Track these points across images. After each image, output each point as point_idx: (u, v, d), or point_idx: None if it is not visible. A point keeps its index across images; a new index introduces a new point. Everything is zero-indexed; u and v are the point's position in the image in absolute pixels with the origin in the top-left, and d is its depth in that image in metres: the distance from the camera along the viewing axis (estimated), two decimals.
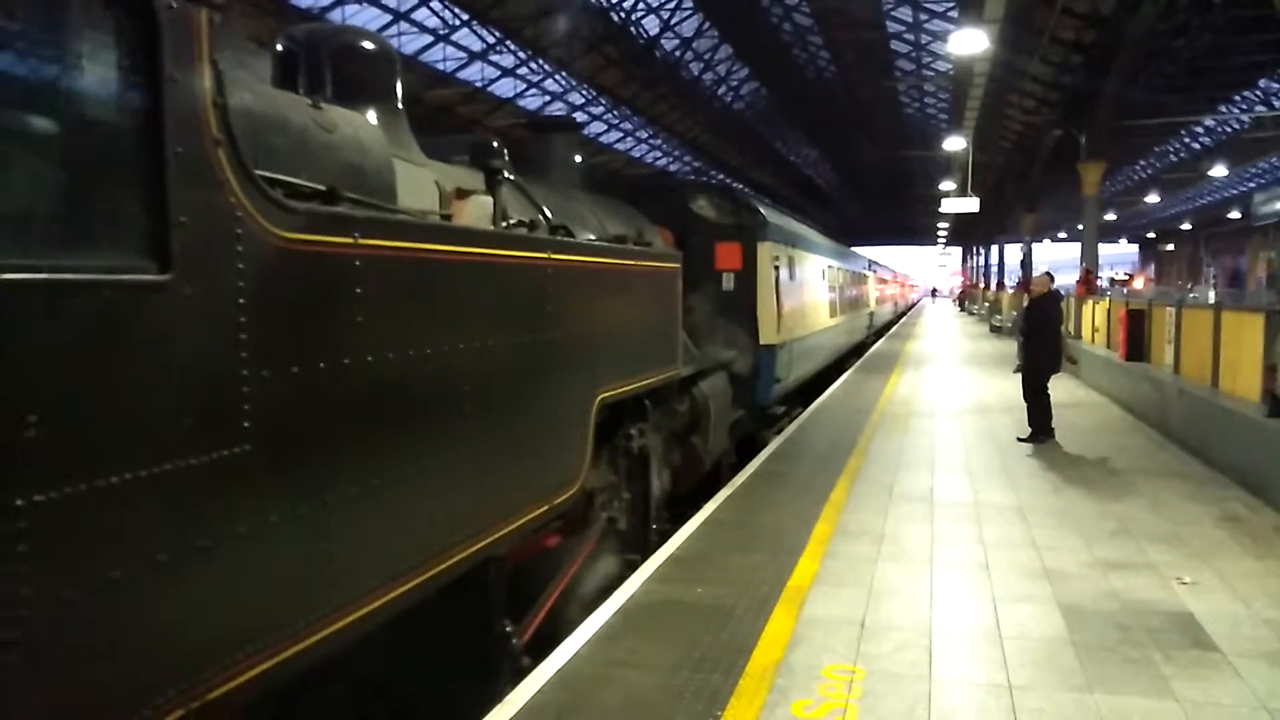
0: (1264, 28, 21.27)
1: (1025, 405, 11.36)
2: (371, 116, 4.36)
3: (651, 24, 33.41)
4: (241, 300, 2.76)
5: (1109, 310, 17.88)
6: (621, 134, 44.14)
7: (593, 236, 6.62)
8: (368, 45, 4.69)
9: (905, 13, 33.88)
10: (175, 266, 2.50)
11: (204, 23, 2.62)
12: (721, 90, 43.28)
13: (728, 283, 10.23)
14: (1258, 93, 33.02)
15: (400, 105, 4.80)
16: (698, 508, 7.93)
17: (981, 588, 5.83)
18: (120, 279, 2.37)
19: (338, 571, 3.24)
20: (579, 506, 5.75)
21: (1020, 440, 11.12)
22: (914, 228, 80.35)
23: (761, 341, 10.80)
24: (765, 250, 10.98)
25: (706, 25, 35.85)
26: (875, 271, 33.09)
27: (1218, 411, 9.65)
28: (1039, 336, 11.30)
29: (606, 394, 5.93)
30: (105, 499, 2.30)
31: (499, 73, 32.09)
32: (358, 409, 3.34)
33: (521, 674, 4.66)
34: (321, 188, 3.34)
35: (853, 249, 28.27)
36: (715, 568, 6.20)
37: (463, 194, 4.96)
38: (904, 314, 54.53)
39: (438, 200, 4.71)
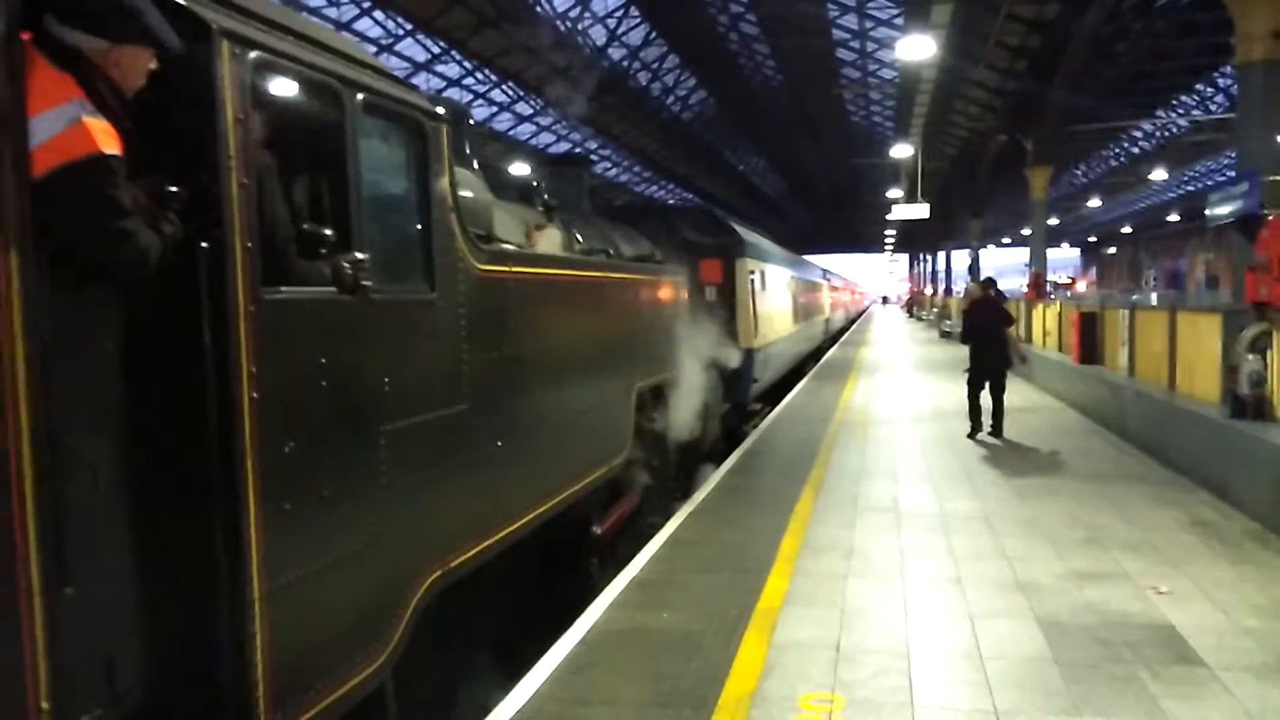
0: (1201, 31, 21.68)
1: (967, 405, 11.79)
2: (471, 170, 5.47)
3: (598, 33, 33.26)
4: (462, 309, 4.19)
5: (1060, 314, 17.99)
6: (570, 145, 43.91)
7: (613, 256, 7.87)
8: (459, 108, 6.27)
9: (851, 20, 34.04)
10: (436, 288, 3.93)
11: (445, 133, 4.09)
12: (670, 100, 43.22)
13: (711, 294, 11.38)
14: (1195, 96, 33.70)
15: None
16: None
17: (956, 603, 5.63)
18: (419, 298, 3.86)
19: (511, 492, 4.80)
20: (627, 470, 7.34)
21: (967, 437, 11.55)
22: (862, 235, 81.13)
23: (742, 345, 12.19)
24: (743, 266, 12.64)
25: (653, 34, 35.75)
26: (829, 280, 34.13)
27: (1177, 414, 9.61)
28: (977, 340, 11.88)
29: (642, 383, 7.51)
30: (413, 431, 3.67)
31: (445, 83, 31.68)
32: (516, 381, 4.87)
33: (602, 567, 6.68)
34: (481, 232, 4.73)
35: (805, 258, 28.80)
36: (680, 590, 5.93)
37: (538, 228, 6.31)
38: (856, 320, 55.32)
39: (524, 234, 5.96)
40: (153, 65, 2.60)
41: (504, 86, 33.70)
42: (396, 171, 3.86)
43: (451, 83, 31.80)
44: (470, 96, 33.25)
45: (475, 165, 5.61)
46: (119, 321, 2.56)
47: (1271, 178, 8.35)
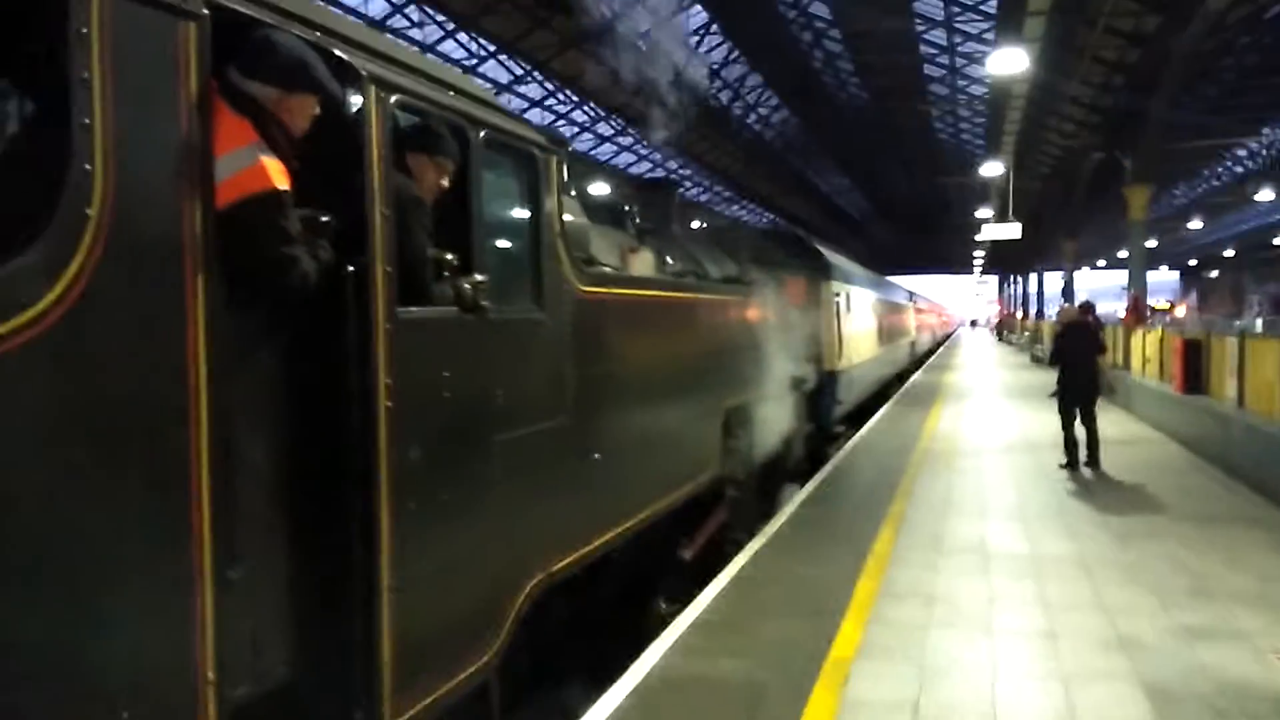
0: None
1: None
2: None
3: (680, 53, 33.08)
4: (566, 328, 4.44)
5: (1161, 340, 17.04)
6: (651, 164, 43.80)
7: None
8: None
9: (939, 35, 33.23)
10: (545, 308, 4.22)
11: (554, 163, 4.38)
12: (751, 119, 42.80)
13: (796, 316, 11.05)
14: None
15: None
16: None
17: (1049, 662, 5.13)
18: (529, 317, 4.13)
19: (607, 503, 5.03)
20: (713, 489, 7.43)
21: (1060, 468, 11.00)
22: (950, 256, 79.18)
23: (826, 368, 12.32)
24: (828, 288, 12.83)
25: (735, 54, 35.44)
26: (915, 302, 33.52)
27: None
28: (1067, 364, 11.32)
29: (729, 402, 7.70)
30: (522, 442, 3.93)
31: (527, 104, 31.83)
32: (612, 397, 5.08)
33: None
34: (582, 255, 4.90)
35: (890, 279, 28.30)
36: (745, 636, 5.55)
37: (633, 250, 6.46)
38: (942, 343, 54.03)
39: (619, 256, 6.13)
40: (316, 110, 2.91)
41: (585, 107, 33.73)
42: (511, 200, 4.21)
43: (534, 103, 31.96)
44: (552, 118, 33.39)
45: (572, 191, 5.71)
46: (279, 338, 2.89)
47: None
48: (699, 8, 28.87)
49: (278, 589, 2.82)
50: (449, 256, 3.47)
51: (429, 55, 26.27)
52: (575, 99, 32.27)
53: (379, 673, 2.96)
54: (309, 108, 2.88)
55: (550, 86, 30.89)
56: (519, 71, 29.37)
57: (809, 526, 8.42)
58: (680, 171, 45.96)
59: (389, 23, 24.20)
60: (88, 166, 2.11)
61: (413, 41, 25.57)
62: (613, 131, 37.41)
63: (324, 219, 2.88)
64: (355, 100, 3.05)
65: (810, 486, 10.36)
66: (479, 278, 3.55)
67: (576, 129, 35.84)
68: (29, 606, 1.98)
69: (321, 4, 3.27)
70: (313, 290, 2.81)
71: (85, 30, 2.09)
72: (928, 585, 6.53)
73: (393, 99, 3.17)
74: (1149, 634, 5.49)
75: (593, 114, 34.87)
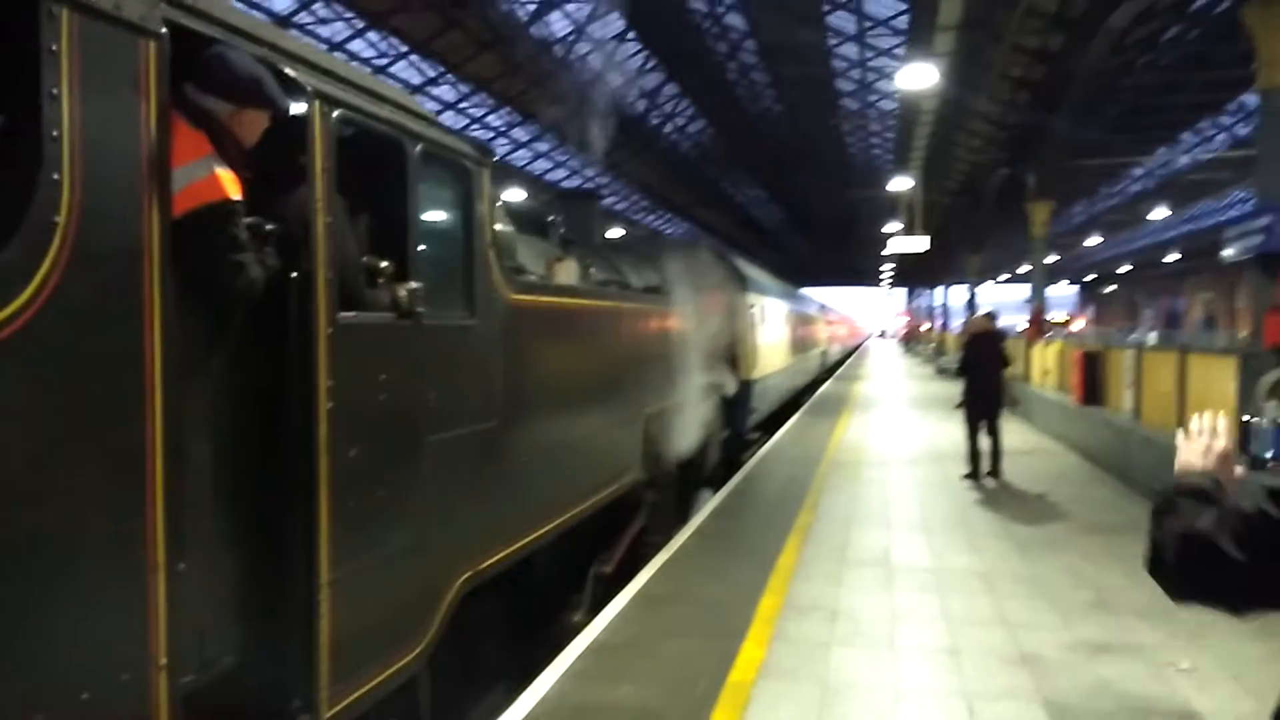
0: (1209, 67, 21.30)
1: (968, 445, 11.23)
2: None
3: (596, 59, 32.88)
4: (496, 333, 4.54)
5: (1061, 352, 17.43)
6: (569, 172, 43.50)
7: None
8: None
9: (850, 50, 33.69)
10: (477, 315, 4.32)
11: (485, 174, 4.50)
12: (668, 128, 42.85)
13: (713, 326, 11.19)
14: (1197, 134, 33.32)
15: None
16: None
17: (952, 679, 5.02)
18: (461, 323, 4.24)
19: (533, 503, 5.14)
20: (634, 492, 7.63)
21: (964, 478, 11.07)
22: (860, 269, 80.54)
23: (741, 376, 12.60)
24: (744, 299, 13.21)
25: (651, 63, 35.43)
26: (826, 314, 34.05)
27: None
28: (973, 375, 11.32)
29: (649, 408, 7.90)
30: (453, 443, 4.02)
31: (441, 106, 31.26)
32: (539, 401, 5.22)
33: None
34: (511, 264, 5.00)
35: (802, 291, 28.74)
36: (645, 657, 5.31)
37: (558, 259, 6.57)
38: (852, 353, 54.92)
39: (544, 266, 6.26)
40: (266, 124, 3.05)
41: (501, 112, 33.30)
42: (445, 210, 4.34)
43: (448, 106, 31.40)
44: (466, 121, 32.86)
45: (499, 200, 5.76)
46: (228, 341, 3.00)
47: None
48: (616, 15, 28.73)
49: (224, 582, 2.94)
50: (384, 264, 3.59)
51: (336, 54, 25.62)
52: (491, 103, 31.81)
53: (317, 663, 3.09)
54: (261, 122, 3.03)
55: (465, 89, 30.37)
56: (432, 74, 28.79)
57: (715, 540, 8.25)
58: (597, 179, 45.82)
59: (295, 19, 23.43)
60: (56, 176, 2.21)
61: (319, 39, 24.83)
62: (529, 137, 37.01)
63: (269, 227, 2.99)
64: (300, 113, 3.18)
65: (719, 497, 10.23)
66: (414, 284, 3.69)
67: (492, 134, 35.34)
68: (2, 593, 2.10)
69: (266, 21, 3.57)
70: (259, 295, 2.93)
71: (55, 48, 2.21)
72: (831, 600, 6.39)
73: (335, 113, 3.30)
74: (1051, 650, 5.43)
75: (509, 119, 34.43)
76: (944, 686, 4.91)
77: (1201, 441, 1.81)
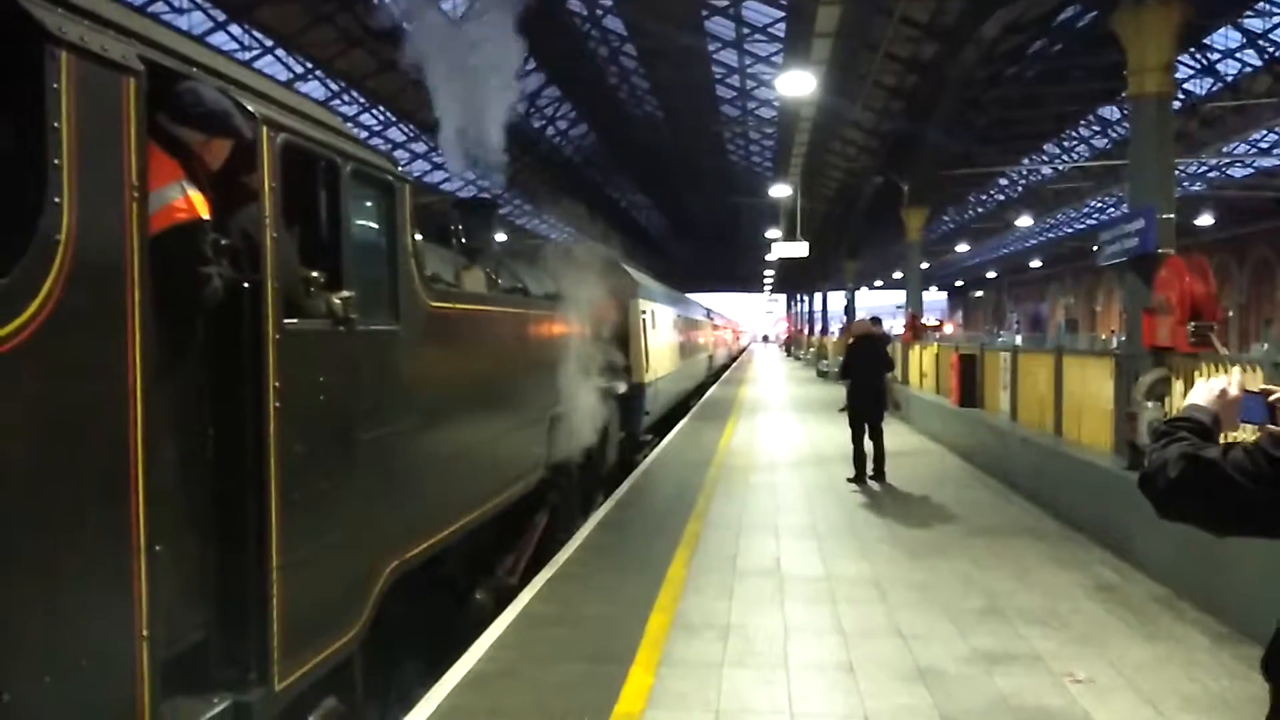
0: (1067, 80, 22.11)
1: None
2: None
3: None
4: (419, 338, 4.93)
5: (938, 355, 17.74)
6: (447, 174, 42.56)
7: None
8: None
9: (730, 56, 33.86)
10: (400, 321, 4.68)
11: (408, 190, 4.90)
12: (550, 132, 42.37)
13: (608, 331, 11.44)
14: (1059, 145, 34.73)
15: None
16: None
17: (849, 698, 4.77)
18: (387, 328, 4.57)
19: (452, 498, 5.50)
20: (539, 489, 7.95)
21: (849, 481, 11.04)
22: (743, 275, 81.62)
23: (635, 380, 12.93)
24: (635, 305, 13.47)
25: (531, 65, 34.93)
26: (712, 319, 34.45)
27: (1067, 462, 9.12)
28: (856, 380, 11.33)
29: (553, 409, 8.29)
30: (382, 441, 4.37)
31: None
32: (455, 402, 5.58)
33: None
34: (428, 273, 5.25)
35: (689, 297, 28.88)
36: (523, 688, 4.90)
37: (465, 268, 6.73)
38: (737, 357, 55.48)
39: (454, 274, 6.40)
40: (229, 151, 3.38)
41: (374, 111, 32.30)
42: (373, 223, 4.59)
43: (319, 103, 30.15)
44: (340, 120, 31.66)
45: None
46: (192, 347, 3.27)
47: (1165, 216, 7.92)
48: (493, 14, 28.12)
49: (191, 563, 3.21)
50: (314, 274, 3.80)
51: (201, 47, 24.18)
52: (364, 102, 30.77)
53: (270, 639, 3.37)
54: (225, 149, 3.37)
55: (335, 86, 29.28)
56: (299, 70, 27.62)
57: (602, 553, 7.89)
58: (479, 183, 44.98)
59: (150, 9, 22.05)
60: (57, 199, 2.45)
61: (178, 30, 23.44)
62: (405, 138, 36.02)
63: (223, 241, 3.28)
64: (250, 138, 3.45)
65: (607, 506, 9.89)
66: (347, 293, 3.95)
67: (367, 134, 34.21)
68: (8, 575, 2.30)
69: (224, 56, 4.14)
70: (217, 304, 3.21)
71: (56, 86, 2.47)
72: (723, 616, 6.10)
73: (280, 137, 3.59)
74: (947, 662, 5.25)
75: (383, 118, 33.42)
76: (841, 708, 4.66)
77: (1218, 384, 2.08)
